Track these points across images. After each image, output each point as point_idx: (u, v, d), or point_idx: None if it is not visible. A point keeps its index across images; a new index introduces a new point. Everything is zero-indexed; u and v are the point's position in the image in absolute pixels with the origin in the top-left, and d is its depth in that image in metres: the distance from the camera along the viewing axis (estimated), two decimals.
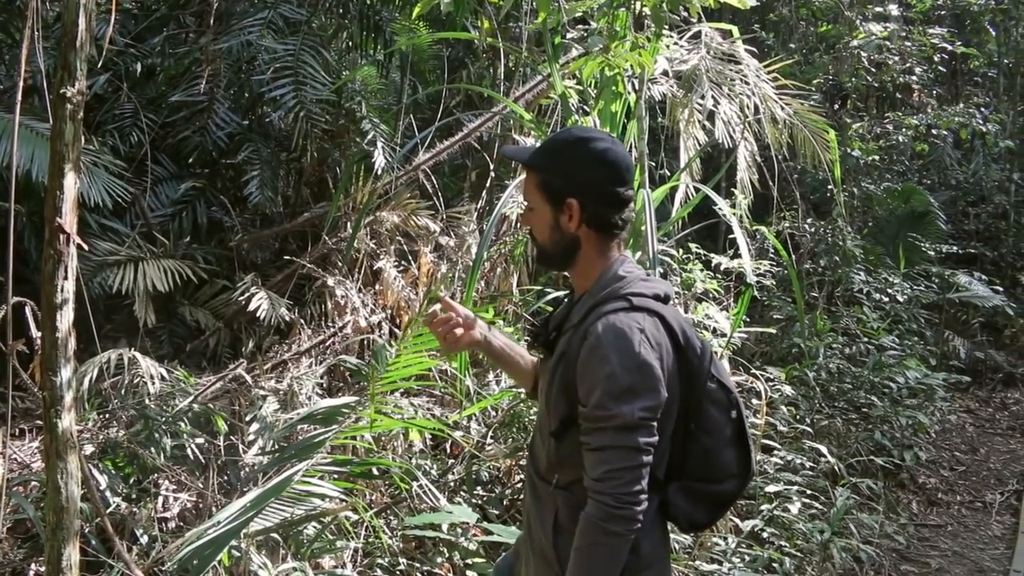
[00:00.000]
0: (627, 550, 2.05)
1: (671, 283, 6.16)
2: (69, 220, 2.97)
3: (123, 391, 5.06)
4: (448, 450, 5.37)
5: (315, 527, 4.08)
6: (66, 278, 2.98)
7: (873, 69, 10.70)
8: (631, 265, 2.23)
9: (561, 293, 5.12)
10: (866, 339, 7.87)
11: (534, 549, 2.28)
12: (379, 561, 4.15)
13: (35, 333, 4.31)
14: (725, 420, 2.19)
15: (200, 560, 3.36)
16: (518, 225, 7.14)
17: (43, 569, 3.34)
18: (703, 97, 7.07)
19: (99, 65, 6.51)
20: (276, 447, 4.63)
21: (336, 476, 4.19)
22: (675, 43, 7.14)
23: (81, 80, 2.98)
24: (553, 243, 2.23)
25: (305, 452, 3.62)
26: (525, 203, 2.27)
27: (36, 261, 5.94)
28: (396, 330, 6.44)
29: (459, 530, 4.18)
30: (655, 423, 2.04)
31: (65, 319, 2.99)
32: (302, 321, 6.38)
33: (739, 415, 2.21)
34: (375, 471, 4.62)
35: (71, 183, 2.97)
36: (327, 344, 6.22)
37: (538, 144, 2.36)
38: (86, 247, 4.22)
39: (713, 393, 2.17)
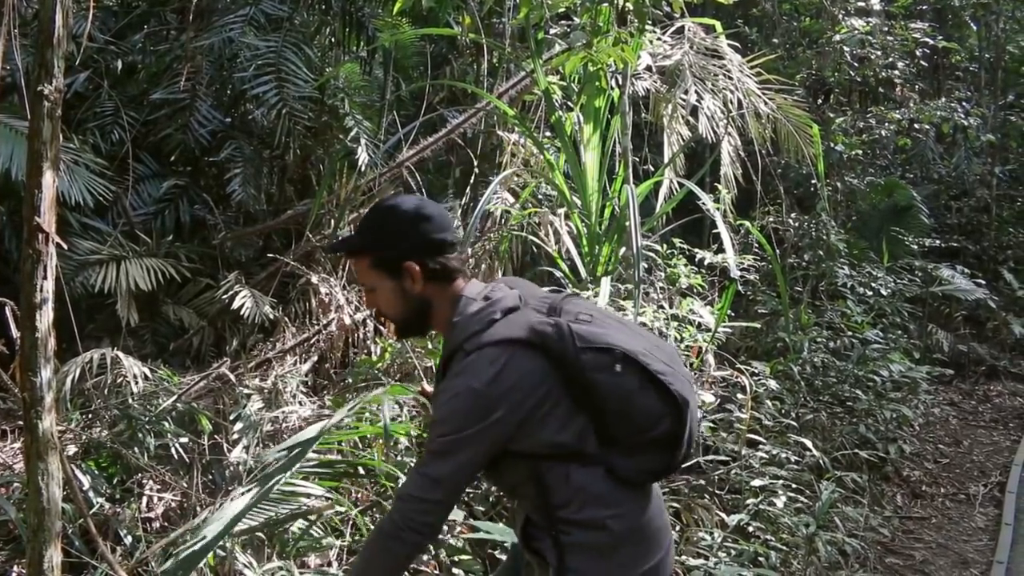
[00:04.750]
0: (407, 561, 2.22)
1: (656, 278, 6.17)
2: (48, 219, 2.94)
3: (106, 391, 5.02)
4: None
5: (300, 526, 4.06)
6: (45, 278, 2.95)
7: (856, 64, 10.74)
8: (464, 302, 2.26)
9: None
10: (850, 333, 7.89)
11: (528, 555, 2.36)
12: None
13: (15, 333, 4.27)
14: (615, 377, 2.16)
15: (186, 564, 3.34)
16: (503, 221, 7.14)
17: (24, 571, 3.31)
18: (686, 92, 7.08)
19: (79, 63, 6.46)
20: (258, 464, 4.60)
21: (321, 476, 4.17)
22: (658, 38, 7.16)
23: (59, 78, 2.94)
24: (407, 311, 2.30)
25: (289, 464, 3.58)
26: (364, 287, 2.34)
27: (17, 261, 5.89)
28: (380, 327, 6.42)
29: (445, 527, 4.16)
30: (465, 457, 2.13)
31: (45, 319, 2.96)
32: (286, 319, 6.36)
33: (631, 362, 2.18)
34: (360, 470, 4.60)
35: (49, 182, 2.94)
36: (312, 342, 6.20)
37: (349, 233, 2.44)
38: (66, 246, 4.18)
39: (591, 362, 2.15)
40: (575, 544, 2.18)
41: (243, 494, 3.69)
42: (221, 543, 3.48)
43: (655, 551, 2.27)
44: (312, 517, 4.05)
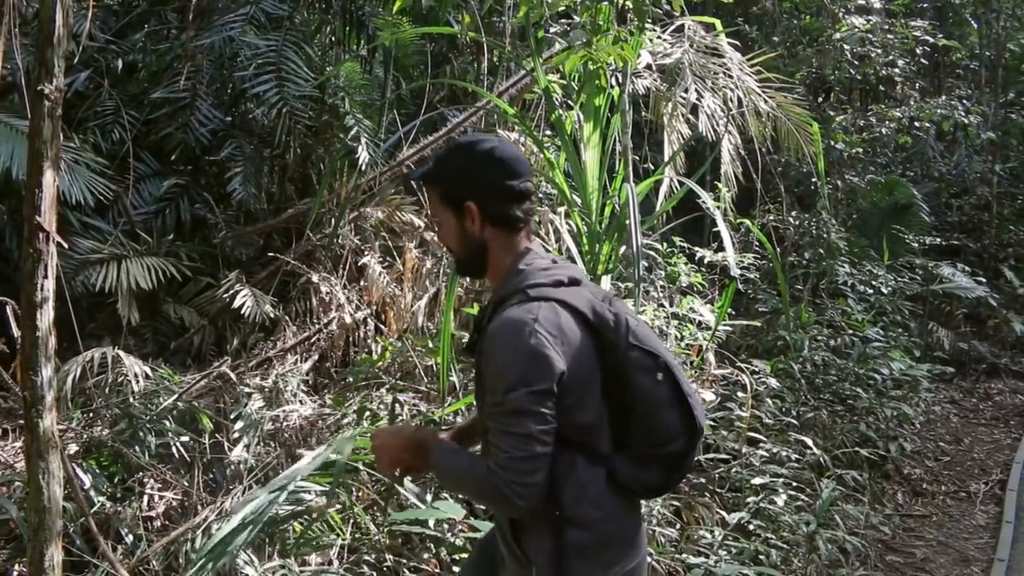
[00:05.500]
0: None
1: (656, 276, 6.18)
2: (48, 218, 2.95)
3: (107, 390, 5.02)
4: None
5: (301, 524, 4.06)
6: (46, 276, 2.95)
7: (856, 62, 10.73)
8: (533, 255, 2.28)
9: None
10: (851, 331, 7.90)
11: (507, 552, 2.33)
12: (365, 558, 4.14)
13: (16, 332, 4.28)
14: (654, 384, 2.20)
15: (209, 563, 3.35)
16: None
17: (26, 570, 3.32)
18: (686, 91, 7.08)
19: (79, 62, 6.47)
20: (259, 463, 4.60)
21: (321, 475, 4.17)
22: (658, 37, 7.15)
23: (59, 77, 2.95)
24: (464, 249, 2.31)
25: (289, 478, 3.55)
26: (434, 219, 2.37)
27: (18, 260, 5.89)
28: (381, 326, 6.42)
29: (445, 526, 4.17)
30: (548, 410, 2.07)
31: (45, 318, 2.97)
32: (287, 318, 6.37)
33: (670, 376, 2.22)
34: (361, 467, 4.60)
35: (50, 181, 2.95)
36: (312, 341, 6.21)
37: (423, 168, 2.44)
38: (66, 245, 4.19)
39: (636, 361, 2.19)
40: (565, 544, 2.18)
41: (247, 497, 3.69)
42: (223, 543, 3.49)
43: (636, 552, 2.30)
44: (313, 516, 4.05)
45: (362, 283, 6.60)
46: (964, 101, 12.30)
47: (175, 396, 4.94)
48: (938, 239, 11.60)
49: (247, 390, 5.29)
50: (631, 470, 2.23)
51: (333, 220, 6.87)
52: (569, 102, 6.91)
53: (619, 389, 2.19)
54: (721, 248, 6.02)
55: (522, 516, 2.14)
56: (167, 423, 4.77)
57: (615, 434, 2.22)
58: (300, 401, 5.38)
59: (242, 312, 6.17)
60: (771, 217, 9.47)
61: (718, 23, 7.45)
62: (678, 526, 4.79)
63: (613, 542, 2.23)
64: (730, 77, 7.17)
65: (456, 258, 2.36)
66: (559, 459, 2.14)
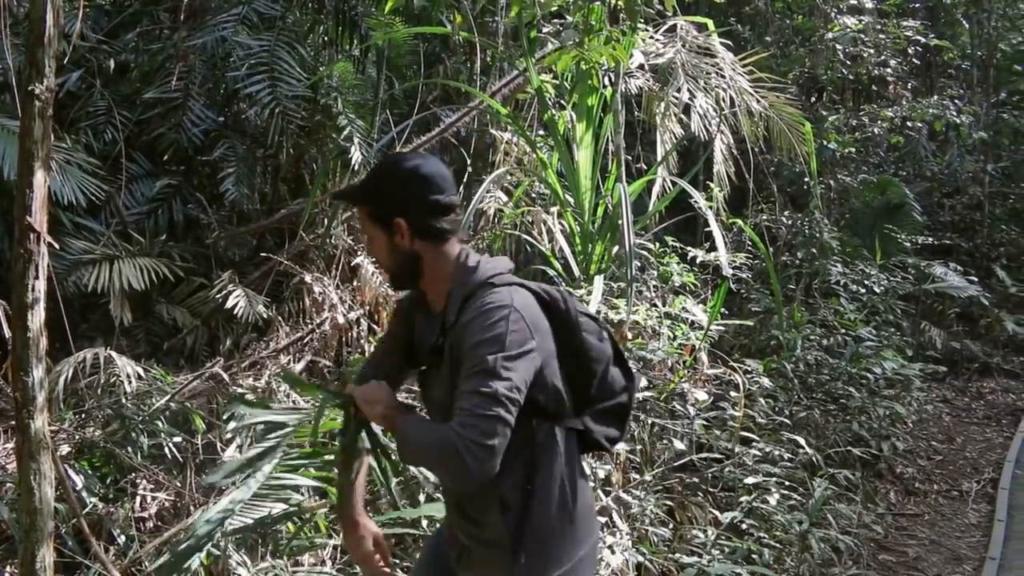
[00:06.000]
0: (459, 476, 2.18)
1: (649, 276, 6.19)
2: (39, 219, 2.94)
3: (99, 390, 5.01)
4: None
5: (293, 524, 4.06)
6: (37, 277, 2.95)
7: (848, 62, 10.76)
8: (473, 254, 2.40)
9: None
10: (843, 330, 7.91)
11: (474, 541, 2.41)
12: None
13: (7, 333, 4.27)
14: (601, 344, 2.44)
15: (177, 562, 3.33)
16: (496, 219, 7.14)
17: (17, 571, 3.31)
18: (679, 91, 7.09)
19: (71, 62, 6.44)
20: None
21: (309, 466, 4.15)
22: (650, 37, 7.16)
23: (50, 77, 2.94)
24: (395, 263, 2.40)
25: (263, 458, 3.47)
26: (364, 235, 2.50)
27: (9, 260, 5.88)
28: (374, 326, 6.42)
29: (437, 526, 4.17)
30: (517, 380, 2.16)
31: (37, 318, 2.96)
32: (280, 318, 6.35)
33: (609, 335, 2.50)
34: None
35: (41, 181, 2.94)
36: (305, 341, 6.20)
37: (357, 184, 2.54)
38: (58, 246, 4.18)
39: (585, 325, 2.41)
40: (540, 523, 2.32)
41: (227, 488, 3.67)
42: (213, 542, 3.48)
43: (594, 532, 2.48)
44: (305, 516, 4.05)
45: (355, 283, 6.59)
46: (956, 101, 12.35)
47: (168, 397, 4.93)
48: (930, 239, 11.63)
49: (240, 390, 5.28)
50: (597, 426, 2.44)
51: (326, 220, 6.86)
52: (562, 102, 6.93)
53: (576, 354, 2.37)
54: (714, 248, 6.03)
55: (469, 485, 2.19)
56: (159, 424, 4.76)
57: (578, 398, 2.40)
58: (293, 402, 5.37)
59: (235, 312, 6.15)
60: (764, 217, 9.48)
61: (710, 23, 7.47)
62: (671, 525, 4.80)
63: (579, 518, 2.38)
64: (722, 77, 7.18)
65: (388, 272, 2.46)
66: (540, 430, 2.32)
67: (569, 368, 2.36)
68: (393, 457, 2.58)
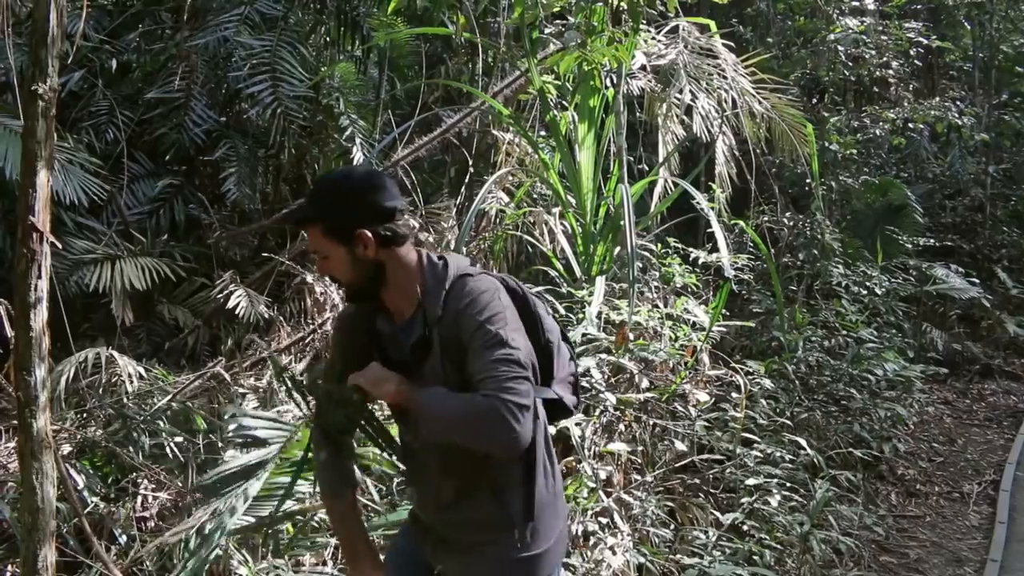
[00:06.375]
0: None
1: (650, 277, 6.19)
2: (42, 218, 2.94)
3: (101, 390, 5.01)
4: None
5: (295, 524, 4.06)
6: (40, 277, 2.95)
7: (850, 63, 10.75)
8: (432, 254, 2.45)
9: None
10: (845, 332, 7.90)
11: (473, 526, 2.42)
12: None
13: (10, 333, 4.27)
14: (553, 321, 2.55)
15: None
16: (498, 220, 7.14)
17: (19, 570, 3.31)
18: (681, 92, 7.09)
19: (73, 62, 6.44)
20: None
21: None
22: (652, 38, 7.16)
23: (53, 77, 2.94)
24: (359, 276, 2.38)
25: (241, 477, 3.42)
26: (316, 255, 2.42)
27: (11, 260, 5.88)
28: None
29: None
30: (526, 348, 2.28)
31: (39, 318, 2.96)
32: (281, 318, 6.36)
33: (556, 315, 2.69)
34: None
35: (43, 181, 2.94)
36: (306, 341, 6.20)
37: (303, 202, 2.50)
38: (60, 245, 4.18)
39: (537, 303, 2.50)
40: (539, 495, 2.39)
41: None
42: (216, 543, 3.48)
43: (566, 510, 2.59)
44: (306, 516, 4.05)
45: None
46: (958, 102, 12.33)
47: (169, 396, 4.93)
48: (932, 240, 11.61)
49: (241, 390, 5.28)
50: (565, 393, 2.53)
51: None
52: (564, 103, 6.93)
53: (539, 332, 2.45)
54: (715, 249, 6.03)
55: (516, 451, 2.19)
56: (161, 423, 4.76)
57: (544, 373, 2.47)
58: (295, 402, 5.37)
59: (236, 312, 6.15)
60: (765, 218, 9.48)
61: (712, 24, 7.47)
62: (672, 527, 4.79)
63: (557, 494, 2.50)
64: (724, 78, 7.18)
65: (349, 286, 2.42)
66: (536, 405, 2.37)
67: (537, 344, 2.43)
68: (396, 443, 2.57)
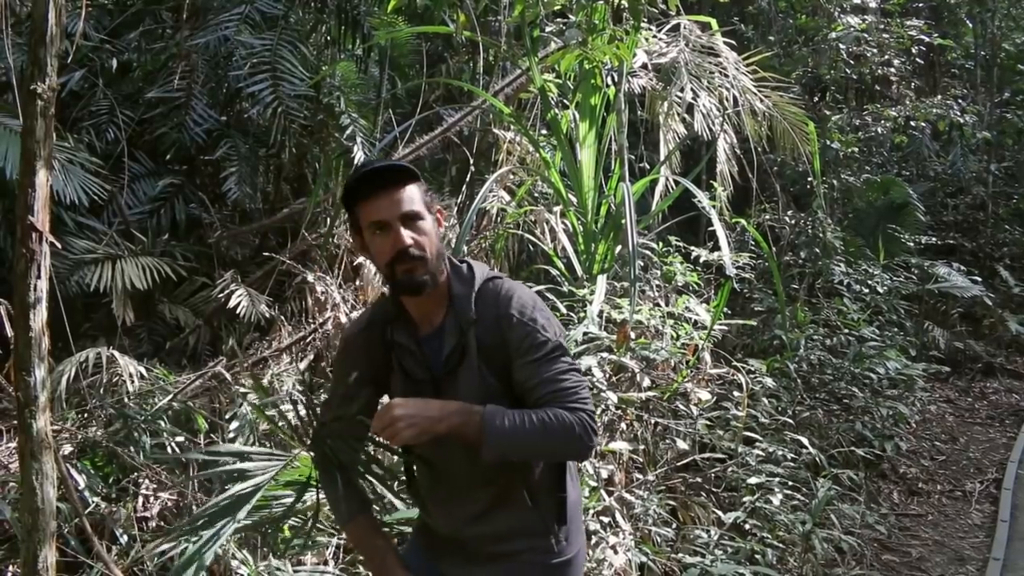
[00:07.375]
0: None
1: (652, 275, 6.18)
2: (42, 218, 2.93)
3: (101, 390, 5.00)
4: None
5: (294, 523, 4.05)
6: (39, 277, 2.94)
7: (852, 61, 10.74)
8: (455, 259, 2.34)
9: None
10: (847, 330, 7.90)
11: (515, 533, 2.31)
12: (360, 558, 4.13)
13: (10, 333, 4.26)
14: None
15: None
16: (499, 219, 7.13)
17: (19, 571, 3.30)
18: (682, 90, 7.08)
19: (73, 61, 6.44)
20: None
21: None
22: (654, 36, 7.15)
23: (52, 76, 2.93)
24: (438, 256, 2.21)
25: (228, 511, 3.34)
26: (410, 214, 2.17)
27: (11, 260, 5.87)
28: None
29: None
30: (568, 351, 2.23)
31: (39, 318, 2.95)
32: (282, 318, 6.35)
33: None
34: None
35: (43, 180, 2.94)
36: (308, 341, 6.19)
37: (386, 161, 2.30)
38: (59, 245, 4.18)
39: None
40: (570, 500, 2.36)
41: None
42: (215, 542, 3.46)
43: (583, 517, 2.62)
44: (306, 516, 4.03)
45: (357, 283, 6.59)
46: (959, 101, 12.33)
47: (170, 396, 4.92)
48: (934, 238, 11.61)
49: (242, 390, 5.27)
50: None
51: (328, 219, 6.86)
52: (565, 101, 6.92)
53: None
54: (717, 247, 6.02)
55: (586, 459, 2.22)
56: (162, 423, 4.75)
57: None
58: (295, 401, 5.36)
59: (237, 312, 6.15)
60: (767, 216, 9.48)
61: (714, 22, 7.47)
62: (674, 525, 4.79)
63: (577, 502, 2.42)
64: (726, 76, 7.18)
65: (430, 266, 2.18)
66: None
67: None
68: (381, 471, 2.47)
